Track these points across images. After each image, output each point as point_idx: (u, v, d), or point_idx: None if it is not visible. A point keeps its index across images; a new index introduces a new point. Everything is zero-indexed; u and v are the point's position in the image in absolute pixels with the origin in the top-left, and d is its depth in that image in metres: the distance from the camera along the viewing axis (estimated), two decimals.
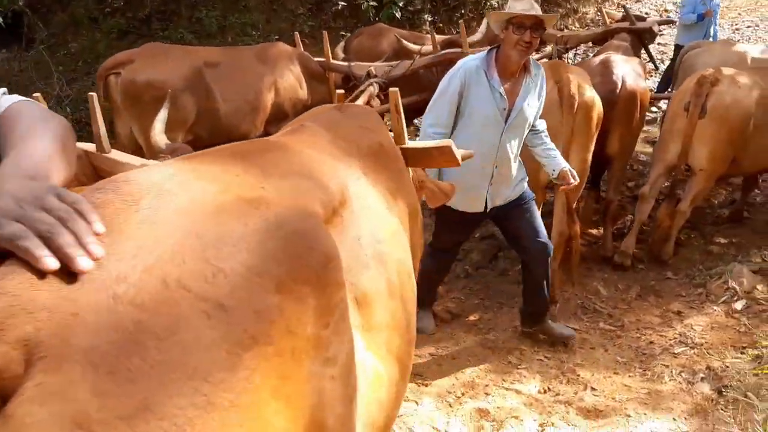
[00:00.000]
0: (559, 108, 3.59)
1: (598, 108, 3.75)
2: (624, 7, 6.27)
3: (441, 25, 9.86)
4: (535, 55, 6.42)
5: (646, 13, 12.50)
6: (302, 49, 5.56)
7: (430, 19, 10.16)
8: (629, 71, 4.42)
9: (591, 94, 3.68)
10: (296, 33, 5.71)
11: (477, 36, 5.76)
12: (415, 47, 5.45)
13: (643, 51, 6.14)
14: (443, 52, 5.23)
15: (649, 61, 6.14)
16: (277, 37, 8.24)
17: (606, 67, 4.37)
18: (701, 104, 4.13)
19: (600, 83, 4.30)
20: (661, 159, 4.45)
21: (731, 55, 5.84)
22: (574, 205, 3.98)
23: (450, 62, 5.19)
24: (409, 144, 2.29)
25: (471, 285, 4.45)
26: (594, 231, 5.17)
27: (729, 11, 12.71)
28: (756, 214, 5.72)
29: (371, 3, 8.50)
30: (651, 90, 5.25)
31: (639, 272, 4.62)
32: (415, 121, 6.92)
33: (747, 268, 4.30)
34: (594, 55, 5.32)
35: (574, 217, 4.00)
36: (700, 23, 7.64)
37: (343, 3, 9.34)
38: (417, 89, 5.87)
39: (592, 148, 3.85)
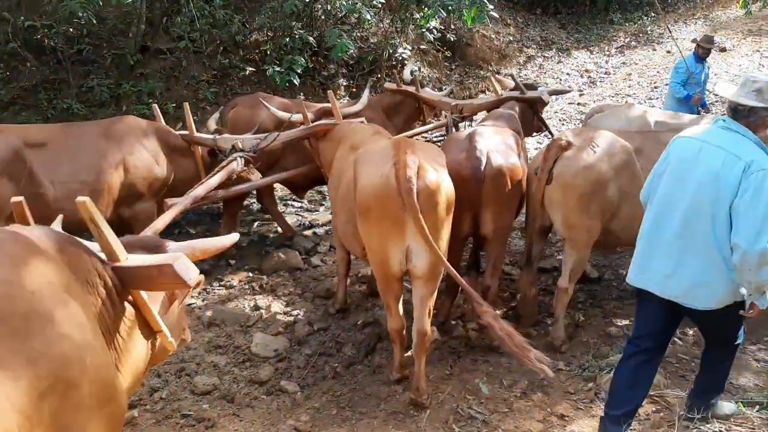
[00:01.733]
0: (398, 193, 3.14)
1: (446, 190, 3.33)
2: (512, 75, 6.03)
3: (355, 90, 9.59)
4: (430, 125, 6.15)
5: (568, 73, 12.62)
6: (162, 122, 5.08)
7: (345, 83, 9.92)
8: (498, 145, 4.07)
9: (434, 177, 3.26)
10: (155, 105, 5.24)
11: (357, 107, 5.38)
12: (285, 116, 5.04)
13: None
14: (315, 123, 4.82)
15: (543, 131, 5.86)
16: (174, 104, 7.79)
17: (471, 141, 4.01)
18: (548, 169, 3.90)
19: (465, 159, 3.94)
20: (528, 225, 4.21)
21: (635, 119, 5.64)
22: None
23: (324, 134, 4.81)
24: (128, 261, 1.77)
25: (336, 388, 3.86)
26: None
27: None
28: None
29: (278, 69, 8.16)
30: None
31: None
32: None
33: None
34: (477, 125, 5.00)
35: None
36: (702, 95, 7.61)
37: (251, 69, 9.01)
38: (300, 161, 5.45)
39: (446, 234, 3.40)
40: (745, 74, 2.89)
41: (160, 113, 5.14)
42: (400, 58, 9.63)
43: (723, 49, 13.19)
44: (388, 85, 6.53)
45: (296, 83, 7.41)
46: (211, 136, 4.95)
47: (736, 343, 3.05)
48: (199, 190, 4.26)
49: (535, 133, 5.97)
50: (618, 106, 6.46)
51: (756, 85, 2.72)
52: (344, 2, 7.02)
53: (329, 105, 4.94)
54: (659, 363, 3.14)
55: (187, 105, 4.96)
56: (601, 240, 4.13)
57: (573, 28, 14.75)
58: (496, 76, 5.86)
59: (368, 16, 7.50)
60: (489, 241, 4.11)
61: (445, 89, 6.56)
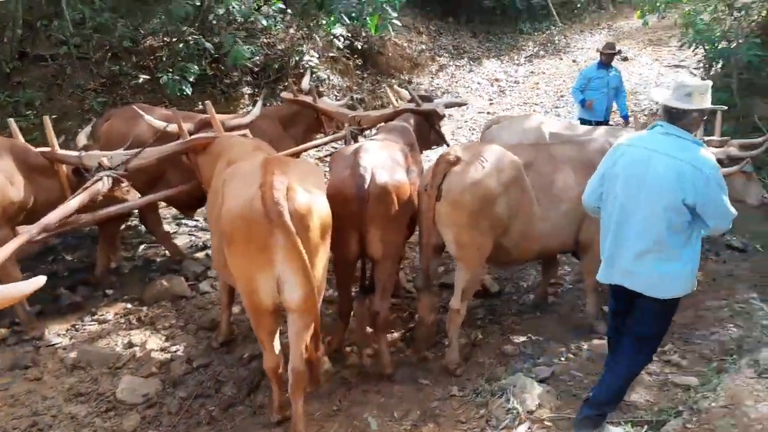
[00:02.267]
0: (264, 218, 2.85)
1: (319, 213, 3.07)
2: (407, 87, 5.86)
3: (257, 98, 9.17)
4: (327, 137, 5.86)
5: (479, 82, 12.70)
6: (20, 137, 4.54)
7: (249, 92, 9.50)
8: (384, 161, 3.86)
9: (304, 199, 2.99)
10: (11, 120, 4.67)
11: (245, 118, 5.03)
12: (161, 125, 4.62)
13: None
14: (192, 137, 4.44)
15: (441, 144, 5.69)
16: (55, 116, 7.13)
17: (355, 158, 3.78)
18: (437, 186, 3.77)
19: (348, 177, 3.71)
20: (422, 244, 4.00)
21: (531, 130, 5.59)
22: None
23: (203, 148, 4.44)
24: None
25: None
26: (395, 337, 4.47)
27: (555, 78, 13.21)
28: (566, 296, 5.35)
29: (174, 77, 7.65)
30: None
31: (423, 389, 3.93)
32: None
33: (533, 379, 3.74)
34: (367, 139, 4.77)
35: (318, 343, 3.22)
36: (599, 100, 7.70)
37: (145, 76, 8.43)
38: (185, 177, 5.02)
39: (321, 261, 3.14)
40: (676, 80, 3.03)
41: (17, 128, 4.59)
42: (307, 65, 9.31)
43: (625, 59, 13.73)
44: (284, 94, 6.20)
45: (188, 92, 6.92)
46: (76, 153, 4.45)
47: (652, 346, 3.24)
48: (52, 216, 3.77)
49: (434, 147, 5.80)
50: (515, 117, 6.45)
51: (686, 90, 2.92)
52: (236, 6, 6.59)
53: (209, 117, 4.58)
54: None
55: (47, 119, 4.44)
56: (492, 256, 4.02)
57: (484, 36, 14.96)
58: (394, 87, 5.67)
59: (264, 22, 7.14)
60: (378, 262, 3.88)
61: (345, 99, 6.29)
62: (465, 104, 7.04)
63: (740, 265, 6.29)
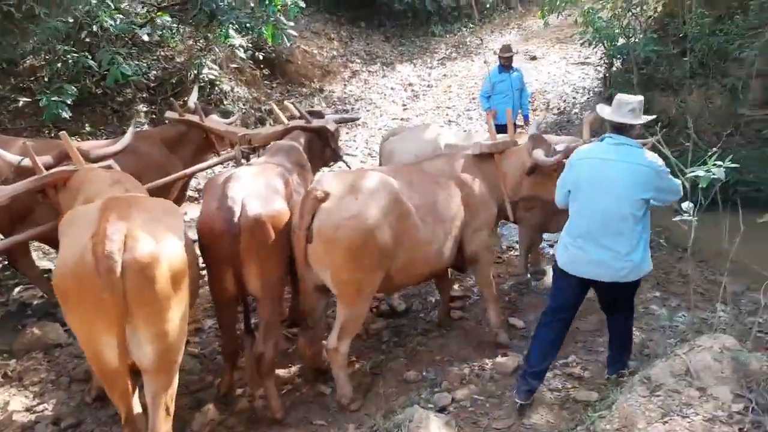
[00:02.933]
0: (96, 273, 2.49)
1: (171, 261, 2.72)
2: (294, 103, 5.55)
3: (155, 116, 8.67)
4: (215, 159, 5.47)
5: (392, 88, 12.56)
6: None
7: (145, 109, 8.95)
8: (258, 190, 3.55)
9: (147, 248, 2.64)
10: None
11: (115, 146, 4.54)
12: (14, 158, 4.12)
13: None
14: (48, 172, 3.97)
15: (337, 160, 5.39)
16: None
17: (224, 189, 3.47)
18: (306, 227, 3.45)
19: (216, 210, 3.41)
20: (300, 284, 3.73)
21: (427, 142, 5.43)
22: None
23: (63, 183, 3.99)
24: None
25: None
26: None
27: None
28: (473, 308, 5.22)
29: (54, 99, 7.02)
30: None
31: (317, 431, 3.66)
32: None
33: (431, 410, 3.55)
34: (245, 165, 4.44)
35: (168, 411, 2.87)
36: (503, 104, 7.59)
37: (25, 99, 7.76)
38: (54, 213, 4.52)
39: (177, 314, 2.77)
40: (617, 97, 3.47)
41: None
42: (206, 78, 8.86)
43: (533, 57, 13.98)
44: (168, 113, 5.75)
45: (66, 115, 6.35)
46: None
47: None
48: None
49: (330, 164, 5.53)
50: (412, 128, 6.30)
51: (630, 106, 3.37)
52: (110, 22, 6.07)
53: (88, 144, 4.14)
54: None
55: None
56: (378, 287, 3.78)
57: (397, 41, 14.88)
58: (282, 103, 5.35)
59: (146, 37, 6.67)
60: (259, 300, 3.58)
61: (236, 116, 5.86)
62: (357, 119, 6.57)
63: None
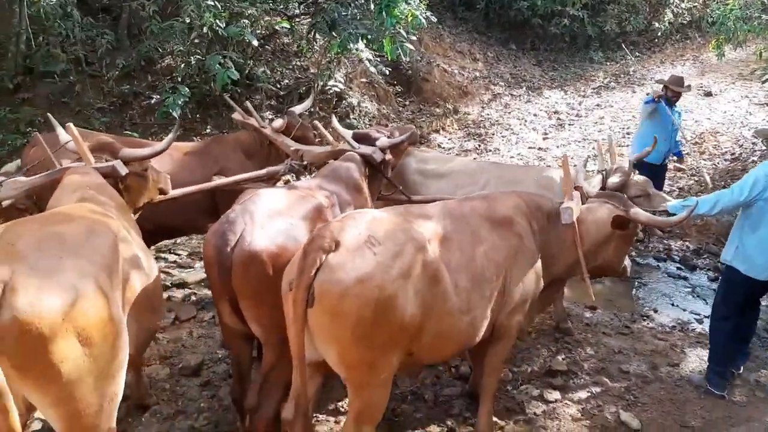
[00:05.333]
0: None
1: (74, 318, 2.02)
2: (334, 123, 4.61)
3: None
4: (256, 173, 4.72)
5: (535, 114, 11.51)
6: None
7: (270, 117, 8.89)
8: (271, 219, 2.90)
9: (29, 303, 1.92)
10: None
11: (151, 148, 3.75)
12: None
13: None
14: (56, 169, 3.50)
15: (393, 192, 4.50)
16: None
17: (231, 212, 2.91)
18: (307, 286, 2.47)
19: (211, 236, 2.88)
20: (295, 357, 2.67)
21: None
22: None
23: None
24: None
25: None
26: None
27: None
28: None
29: (173, 100, 6.98)
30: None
31: None
32: None
33: None
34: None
35: None
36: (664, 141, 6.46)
37: (157, 97, 8.01)
38: None
39: (85, 386, 2.08)
40: None
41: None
42: (331, 90, 8.61)
43: (708, 94, 12.15)
44: (235, 116, 5.31)
45: (175, 114, 6.31)
46: None
47: None
48: None
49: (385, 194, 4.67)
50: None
51: None
52: (217, 23, 5.80)
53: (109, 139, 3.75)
54: None
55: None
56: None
57: (549, 65, 13.78)
58: (334, 124, 4.53)
59: (255, 42, 6.46)
60: (262, 344, 2.98)
61: (277, 121, 5.11)
62: (414, 140, 5.05)
63: None
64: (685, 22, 15.46)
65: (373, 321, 2.49)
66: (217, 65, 5.89)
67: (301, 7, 8.08)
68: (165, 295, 5.22)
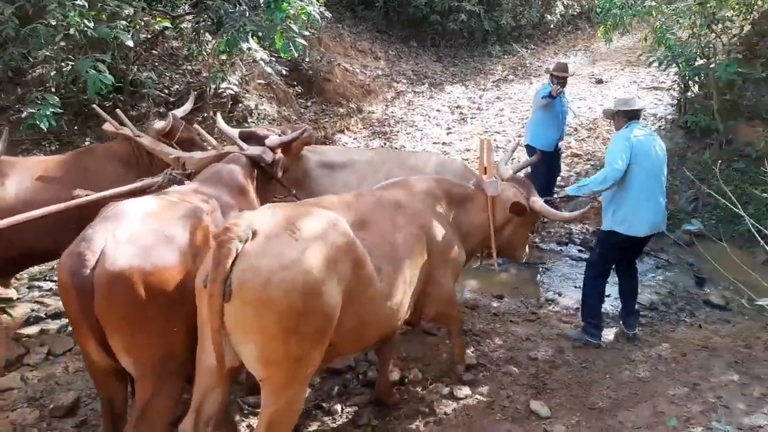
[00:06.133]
0: None
1: None
2: (218, 123, 4.35)
3: None
4: (132, 185, 4.32)
5: (438, 110, 11.55)
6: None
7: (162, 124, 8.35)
8: (138, 233, 2.54)
9: None
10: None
11: None
12: None
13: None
14: None
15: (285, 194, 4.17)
16: None
17: (85, 230, 2.56)
18: (223, 279, 2.31)
19: (66, 257, 2.49)
20: (200, 362, 2.52)
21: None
22: None
23: None
24: None
25: None
26: None
27: None
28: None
29: (32, 110, 6.26)
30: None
31: None
32: None
33: None
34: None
35: None
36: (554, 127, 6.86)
37: (31, 111, 7.28)
38: None
39: None
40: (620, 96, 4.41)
41: None
42: (225, 93, 8.19)
43: (599, 81, 12.67)
44: (105, 126, 4.86)
45: (43, 126, 5.70)
46: None
47: None
48: None
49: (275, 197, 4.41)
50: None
51: (631, 96, 4.79)
52: (77, 20, 5.15)
53: None
54: None
55: None
56: None
57: (449, 61, 13.91)
58: (219, 124, 4.26)
59: (130, 42, 5.97)
60: (135, 379, 2.61)
61: (158, 123, 4.76)
62: (307, 139, 4.66)
63: (720, 330, 5.05)
64: (575, 13, 16.12)
65: (302, 310, 2.38)
66: (89, 70, 5.36)
67: (186, 6, 7.61)
68: (37, 328, 4.68)
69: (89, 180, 4.39)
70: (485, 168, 3.96)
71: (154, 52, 9.23)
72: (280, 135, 4.23)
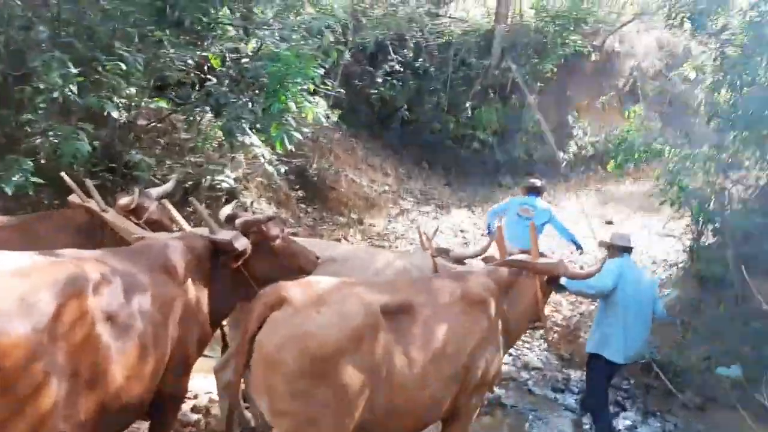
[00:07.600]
0: None
1: None
2: (192, 200, 3.93)
3: None
4: None
5: (441, 231, 11.24)
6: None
7: None
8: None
9: None
10: None
11: None
12: None
13: None
14: None
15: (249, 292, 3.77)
16: None
17: None
18: (248, 339, 2.73)
19: None
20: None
21: None
22: None
23: None
24: None
25: None
26: None
27: None
28: None
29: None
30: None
31: None
32: None
33: None
34: None
35: None
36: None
37: None
38: None
39: None
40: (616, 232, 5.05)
41: None
42: (219, 187, 7.92)
43: (609, 222, 12.38)
44: (71, 198, 4.52)
45: (8, 191, 5.32)
46: None
47: None
48: None
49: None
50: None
51: (626, 234, 5.36)
52: (60, 82, 4.92)
53: None
54: None
55: None
56: None
57: (459, 186, 13.84)
58: (195, 206, 3.89)
59: (115, 114, 5.74)
60: None
61: (124, 198, 4.41)
62: (259, 221, 4.10)
63: None
64: (588, 155, 16.25)
65: (310, 375, 2.60)
66: (69, 137, 5.05)
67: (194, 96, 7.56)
68: None
69: (40, 248, 3.96)
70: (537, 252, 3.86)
71: (160, 140, 9.17)
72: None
